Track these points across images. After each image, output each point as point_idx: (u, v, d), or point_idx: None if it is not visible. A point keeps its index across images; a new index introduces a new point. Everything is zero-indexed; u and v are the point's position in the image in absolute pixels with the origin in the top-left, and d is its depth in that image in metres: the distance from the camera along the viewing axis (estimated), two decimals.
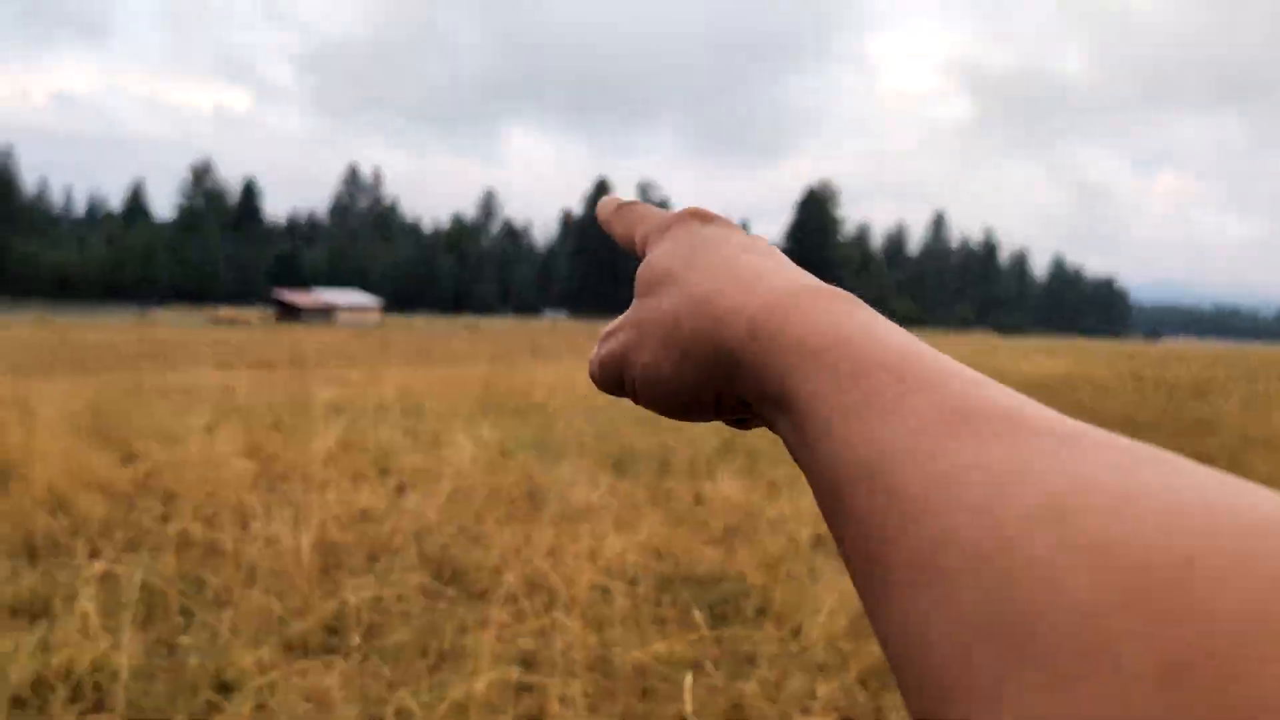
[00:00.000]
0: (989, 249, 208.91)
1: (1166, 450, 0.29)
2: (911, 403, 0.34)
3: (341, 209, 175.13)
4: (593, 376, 0.58)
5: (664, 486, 8.29)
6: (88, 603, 4.32)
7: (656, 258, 0.55)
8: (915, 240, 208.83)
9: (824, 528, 6.86)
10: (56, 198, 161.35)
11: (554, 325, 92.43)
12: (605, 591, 5.13)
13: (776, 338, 0.42)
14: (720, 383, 0.47)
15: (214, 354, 25.44)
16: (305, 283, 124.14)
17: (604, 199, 0.72)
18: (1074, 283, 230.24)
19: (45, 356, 22.49)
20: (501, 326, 79.79)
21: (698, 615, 4.58)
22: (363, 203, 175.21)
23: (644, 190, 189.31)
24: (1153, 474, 0.27)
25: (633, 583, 5.39)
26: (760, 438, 10.95)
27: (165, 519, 6.56)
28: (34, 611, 4.76)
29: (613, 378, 0.55)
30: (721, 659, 4.49)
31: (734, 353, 0.45)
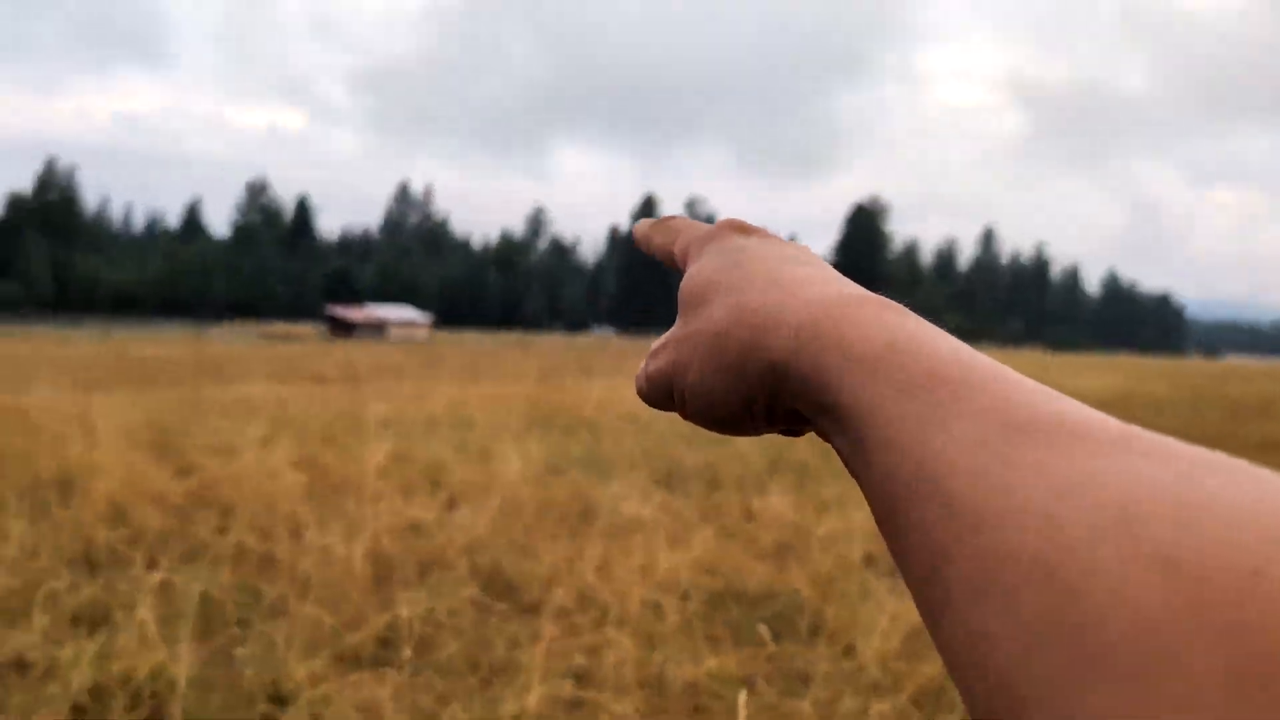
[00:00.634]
0: (1041, 264, 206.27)
1: (1229, 455, 0.29)
2: (968, 412, 0.34)
3: (393, 226, 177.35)
4: (640, 392, 0.58)
5: (714, 502, 8.25)
6: (146, 612, 4.38)
7: (698, 271, 0.56)
8: (966, 256, 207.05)
9: (876, 546, 6.78)
10: (116, 215, 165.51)
11: (602, 341, 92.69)
12: (657, 607, 5.10)
13: (827, 347, 0.41)
14: (769, 395, 0.46)
15: (268, 369, 25.81)
16: (357, 298, 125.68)
17: (640, 220, 0.73)
18: (1128, 299, 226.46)
19: (105, 372, 22.97)
20: (550, 342, 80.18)
21: (759, 631, 4.54)
22: (414, 219, 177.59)
23: (691, 206, 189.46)
24: (1217, 481, 0.27)
25: (684, 598, 5.36)
26: (810, 453, 10.87)
27: (221, 530, 6.65)
28: (94, 620, 4.84)
29: (661, 393, 0.55)
30: (774, 677, 4.45)
31: (783, 364, 0.44)
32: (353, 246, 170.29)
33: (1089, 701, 0.23)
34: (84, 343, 42.42)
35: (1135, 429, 0.32)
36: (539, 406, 15.75)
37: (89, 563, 5.69)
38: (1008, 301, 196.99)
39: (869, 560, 6.46)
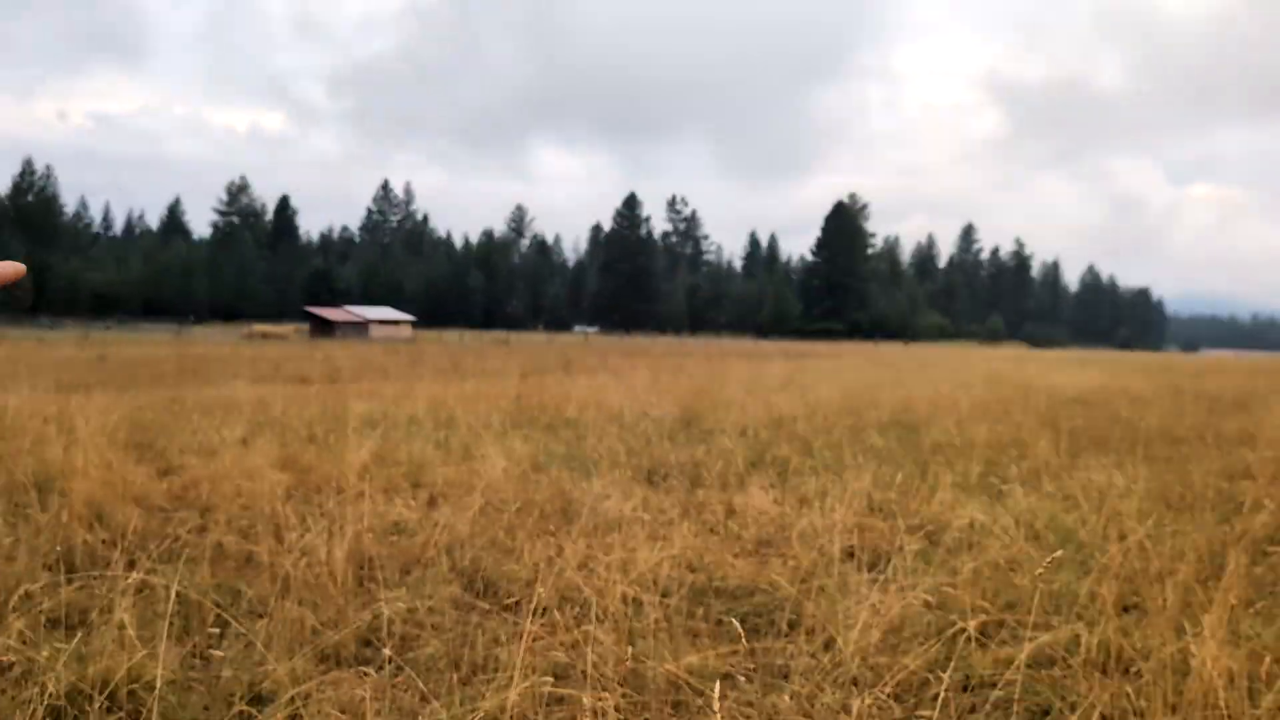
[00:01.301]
0: (1021, 261, 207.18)
1: None
2: None
3: (374, 225, 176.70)
4: None
5: (696, 499, 8.27)
6: (124, 614, 4.36)
7: None
8: (946, 253, 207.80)
9: (856, 540, 6.81)
10: (95, 216, 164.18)
11: (585, 340, 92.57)
12: (637, 604, 5.11)
13: None
14: None
15: (250, 369, 25.67)
16: (339, 298, 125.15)
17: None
18: (1108, 294, 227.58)
19: (85, 373, 22.79)
20: (533, 341, 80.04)
21: (734, 627, 4.54)
22: (395, 219, 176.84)
23: (673, 205, 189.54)
24: None
25: (665, 595, 5.37)
26: (791, 450, 10.89)
27: (202, 530, 6.63)
28: (71, 623, 4.81)
29: None
30: (754, 672, 4.47)
31: None
32: (334, 246, 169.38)
33: None
34: (63, 344, 42.11)
35: None
36: (522, 405, 15.73)
37: (67, 564, 5.65)
38: (988, 298, 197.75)
39: (849, 554, 6.48)
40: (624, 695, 4.03)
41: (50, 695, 3.74)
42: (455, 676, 4.26)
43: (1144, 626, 4.96)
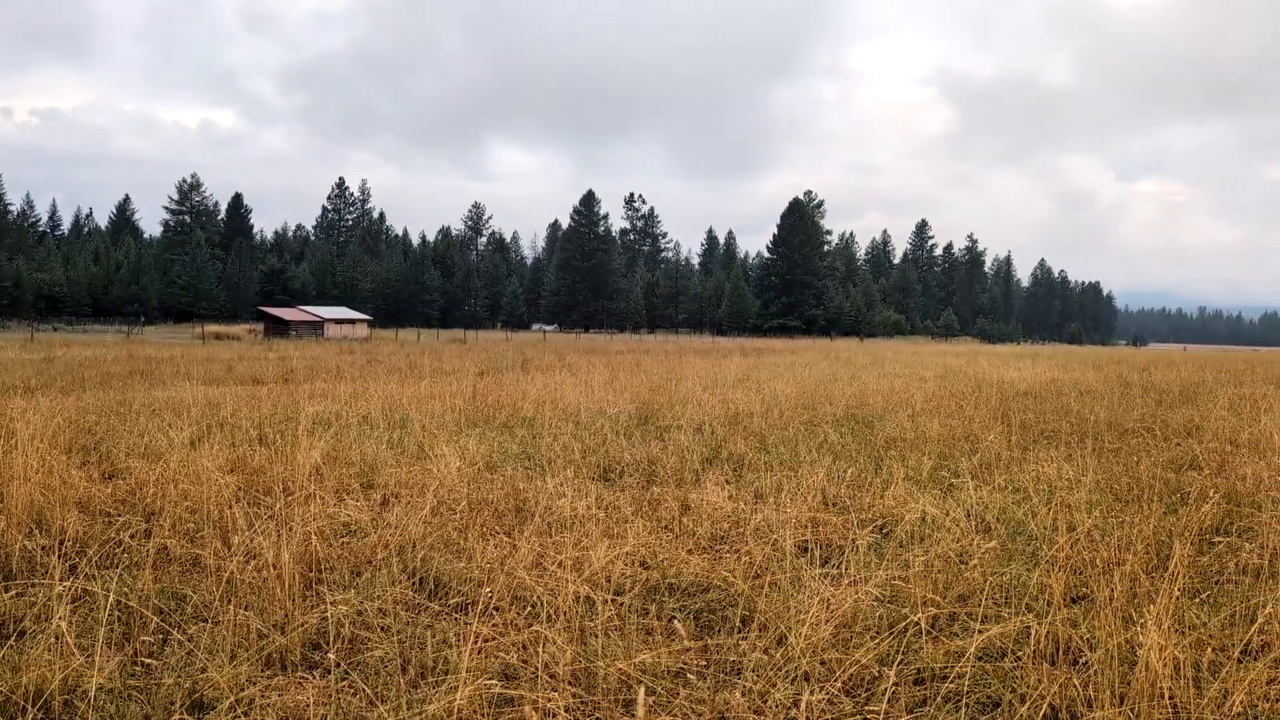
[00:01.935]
0: (973, 257, 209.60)
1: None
2: None
3: (329, 224, 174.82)
4: None
5: (650, 496, 8.24)
6: (61, 621, 4.25)
7: None
8: (900, 249, 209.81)
9: (810, 535, 6.82)
10: (41, 215, 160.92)
11: (543, 338, 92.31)
12: (590, 602, 5.07)
13: None
14: None
15: (201, 370, 25.26)
16: (294, 298, 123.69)
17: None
18: (1059, 289, 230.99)
19: (31, 375, 22.31)
20: (490, 340, 79.61)
21: (682, 626, 4.53)
22: (351, 218, 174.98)
23: (630, 202, 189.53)
24: None
25: (618, 593, 5.33)
26: (747, 446, 10.90)
27: (146, 535, 6.49)
28: (5, 631, 4.68)
29: None
30: (706, 669, 4.45)
31: None
32: (289, 246, 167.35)
33: None
34: (8, 346, 41.23)
35: None
36: (477, 404, 15.62)
37: (4, 571, 5.51)
38: (941, 294, 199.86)
39: (803, 549, 6.49)
40: (574, 695, 3.99)
41: None
42: (404, 679, 4.20)
43: (1092, 617, 5.00)
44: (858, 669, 4.33)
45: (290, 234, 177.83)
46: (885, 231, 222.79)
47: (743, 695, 4.06)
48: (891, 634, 4.69)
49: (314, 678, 4.16)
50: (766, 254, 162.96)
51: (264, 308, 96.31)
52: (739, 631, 4.91)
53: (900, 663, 4.32)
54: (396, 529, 6.53)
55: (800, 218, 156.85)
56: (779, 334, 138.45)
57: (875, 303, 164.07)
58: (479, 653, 4.37)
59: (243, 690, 3.94)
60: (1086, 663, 4.45)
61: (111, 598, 4.15)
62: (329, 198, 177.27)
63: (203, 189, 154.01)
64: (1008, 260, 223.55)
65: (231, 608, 4.83)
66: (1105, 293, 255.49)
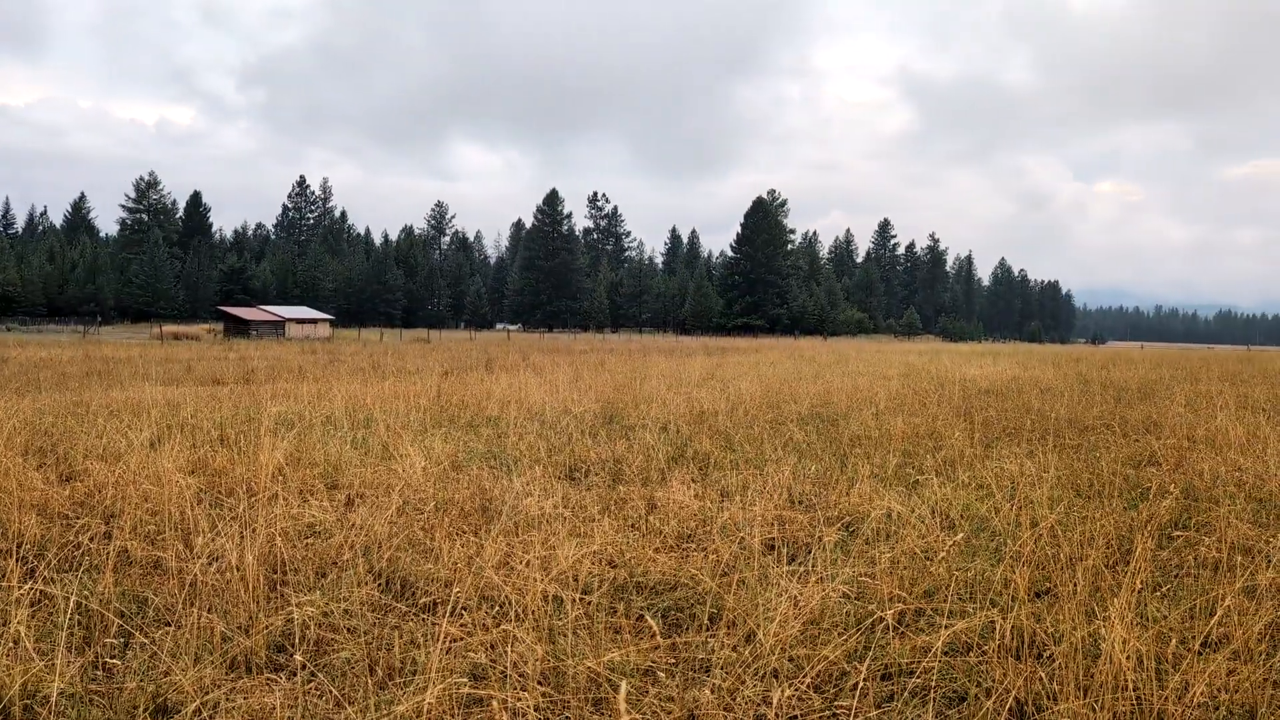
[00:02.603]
0: (935, 256, 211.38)
1: None
2: None
3: (290, 223, 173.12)
4: None
5: (617, 495, 8.24)
6: (20, 626, 4.17)
7: None
8: (863, 248, 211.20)
9: (776, 532, 6.84)
10: None
11: (508, 337, 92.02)
12: (558, 601, 5.06)
13: None
14: None
15: (160, 371, 24.92)
16: (254, 298, 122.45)
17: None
18: (1019, 288, 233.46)
19: None
20: (454, 339, 79.21)
21: (651, 623, 4.52)
22: (312, 216, 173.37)
23: (594, 201, 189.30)
24: None
25: (586, 592, 5.33)
26: (713, 445, 10.93)
27: (106, 537, 6.39)
28: None
29: None
30: (675, 666, 4.45)
31: None
32: (249, 245, 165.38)
33: None
34: None
35: None
36: (442, 404, 15.54)
37: None
38: (904, 293, 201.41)
39: (770, 547, 6.52)
40: (544, 694, 3.98)
41: None
42: (371, 680, 4.17)
43: (1055, 611, 5.06)
44: (826, 665, 4.35)
45: (250, 233, 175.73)
46: (848, 230, 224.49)
47: (712, 692, 4.06)
48: (859, 630, 4.72)
49: (280, 680, 4.11)
50: (730, 253, 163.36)
51: (224, 307, 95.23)
52: (707, 629, 4.92)
53: (868, 659, 4.35)
54: (362, 529, 6.47)
55: (764, 216, 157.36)
56: (743, 333, 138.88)
57: (839, 301, 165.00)
58: (447, 653, 4.34)
59: (207, 693, 3.89)
60: (1051, 656, 4.50)
61: (72, 601, 4.08)
62: (290, 196, 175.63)
63: (160, 187, 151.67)
64: (969, 259, 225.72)
65: (195, 610, 4.77)
66: (1064, 291, 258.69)
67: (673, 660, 4.52)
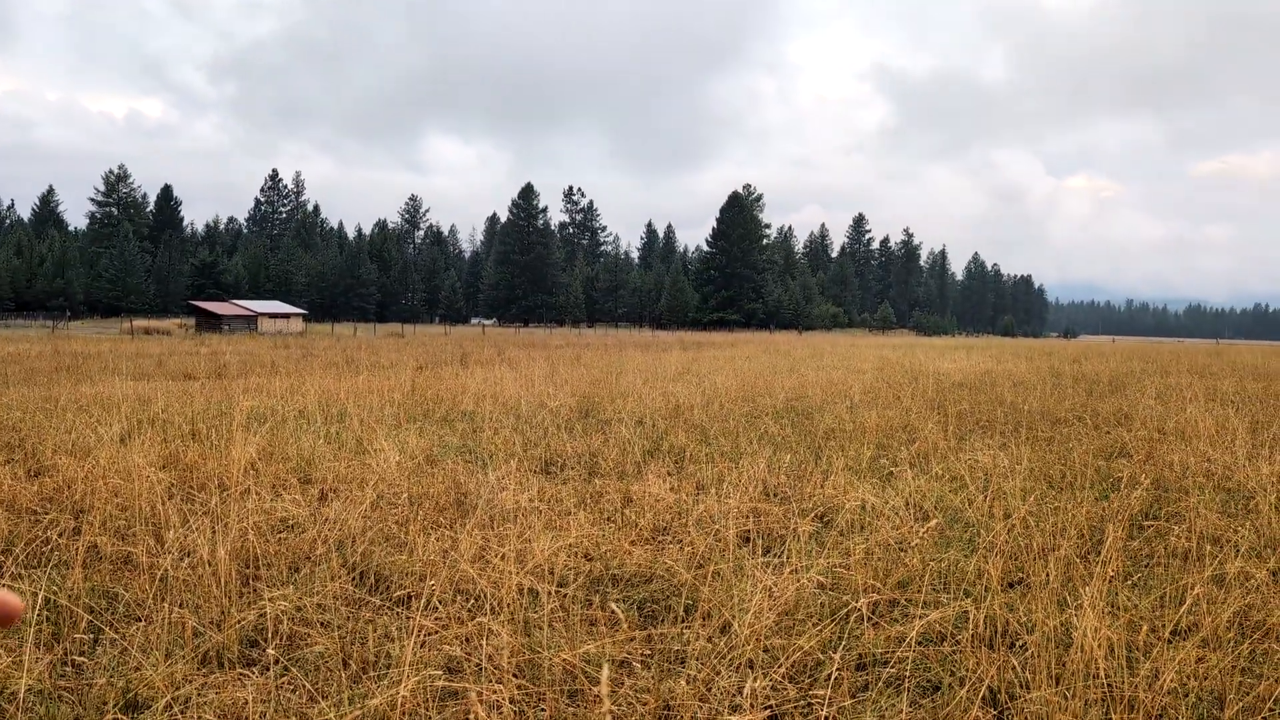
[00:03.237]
0: (910, 250, 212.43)
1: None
2: None
3: (263, 217, 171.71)
4: None
5: (593, 488, 8.23)
6: None
7: None
8: (838, 243, 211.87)
9: (751, 525, 6.86)
10: None
11: (483, 332, 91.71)
12: (534, 594, 5.05)
13: None
14: None
15: (131, 366, 24.67)
16: (226, 292, 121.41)
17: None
18: (993, 282, 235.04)
19: None
20: (429, 334, 78.89)
21: (624, 614, 4.52)
22: (285, 210, 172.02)
23: (569, 195, 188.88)
24: None
25: (562, 584, 5.32)
26: (689, 439, 10.94)
27: (75, 533, 6.32)
28: None
29: None
30: (650, 658, 4.45)
31: None
32: (221, 239, 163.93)
33: None
34: None
35: None
36: (416, 398, 15.47)
37: None
38: (879, 287, 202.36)
39: (745, 539, 6.53)
40: (519, 686, 3.97)
41: None
42: (345, 674, 4.14)
43: (1028, 601, 5.10)
44: (801, 655, 4.36)
45: (222, 227, 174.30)
46: (824, 225, 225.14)
47: (688, 683, 4.06)
48: (834, 620, 4.74)
49: (253, 675, 4.08)
50: (706, 247, 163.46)
51: (195, 302, 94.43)
52: (683, 621, 4.92)
53: (843, 649, 4.36)
54: (336, 524, 6.43)
55: (739, 211, 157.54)
56: (718, 327, 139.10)
57: (814, 296, 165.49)
58: (422, 646, 4.32)
59: (178, 689, 3.86)
60: (1024, 645, 4.54)
61: (40, 597, 4.03)
62: (262, 190, 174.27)
63: (130, 180, 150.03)
64: (943, 254, 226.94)
65: (166, 605, 4.72)
66: (1037, 286, 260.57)
67: (648, 652, 4.52)
